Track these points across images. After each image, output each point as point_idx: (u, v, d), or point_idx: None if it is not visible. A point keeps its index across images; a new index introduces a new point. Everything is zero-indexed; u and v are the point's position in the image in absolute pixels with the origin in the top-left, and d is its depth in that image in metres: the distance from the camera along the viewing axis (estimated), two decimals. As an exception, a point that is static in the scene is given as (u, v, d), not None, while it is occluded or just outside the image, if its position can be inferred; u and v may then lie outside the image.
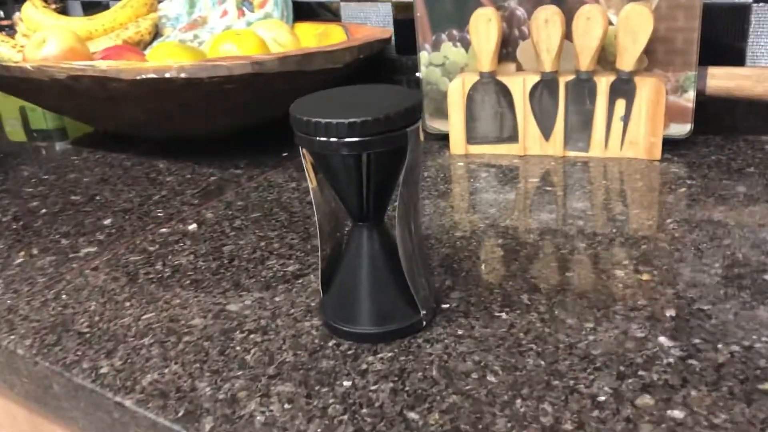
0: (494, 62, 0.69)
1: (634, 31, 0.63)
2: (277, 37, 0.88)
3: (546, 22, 0.65)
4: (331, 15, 1.01)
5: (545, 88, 0.69)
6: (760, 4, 0.72)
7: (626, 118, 0.67)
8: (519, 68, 0.72)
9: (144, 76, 0.65)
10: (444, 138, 0.79)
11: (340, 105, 0.41)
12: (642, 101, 0.66)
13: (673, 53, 0.65)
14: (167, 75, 0.65)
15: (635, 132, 0.67)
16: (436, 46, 0.74)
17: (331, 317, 0.45)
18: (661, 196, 0.60)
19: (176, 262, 0.56)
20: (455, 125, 0.73)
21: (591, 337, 0.42)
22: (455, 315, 0.46)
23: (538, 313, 0.45)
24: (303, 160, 0.43)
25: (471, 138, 0.73)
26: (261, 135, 0.87)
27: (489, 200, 0.63)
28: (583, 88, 0.68)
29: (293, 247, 0.57)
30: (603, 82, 0.67)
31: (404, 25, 0.95)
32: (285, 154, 0.80)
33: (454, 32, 0.73)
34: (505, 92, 0.70)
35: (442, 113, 0.77)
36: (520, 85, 0.69)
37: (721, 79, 0.67)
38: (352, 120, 0.38)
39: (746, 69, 0.67)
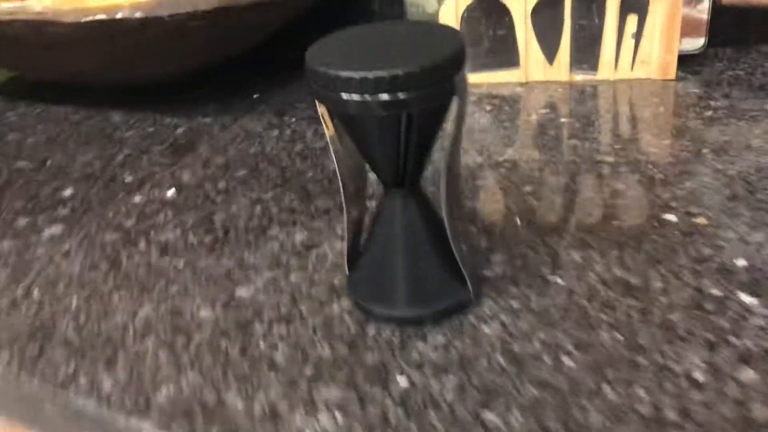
0: (493, -21, 0.61)
1: (653, -63, 0.56)
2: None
3: (553, -70, 0.57)
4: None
5: (549, 4, 0.62)
6: None
7: (638, 35, 0.61)
8: (516, -16, 0.65)
9: (91, 18, 0.55)
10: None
11: (366, 52, 0.33)
12: (656, 15, 0.60)
13: (688, -41, 0.59)
14: (119, 15, 0.55)
15: (648, 50, 0.62)
16: (421, -37, 0.66)
17: (364, 298, 0.39)
18: (687, 122, 0.55)
19: (162, 239, 0.48)
20: (448, 53, 0.65)
21: (663, 299, 0.38)
22: (503, 283, 0.40)
23: (595, 274, 0.40)
24: (318, 109, 0.36)
25: (467, 66, 0.66)
26: (226, 76, 0.77)
27: (501, 138, 0.56)
28: (590, 2, 0.61)
29: (295, 211, 0.50)
30: (614, -4, 0.60)
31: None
32: (256, 96, 0.71)
33: (442, -55, 0.65)
34: (504, 12, 0.63)
35: (429, 39, 0.69)
36: (521, 3, 0.62)
37: (739, -15, 0.61)
38: (393, 72, 0.30)
39: (765, -27, 0.61)
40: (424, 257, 0.38)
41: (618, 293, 0.38)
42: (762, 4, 0.61)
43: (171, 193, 0.54)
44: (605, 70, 0.63)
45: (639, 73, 0.63)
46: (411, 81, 0.30)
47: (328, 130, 0.36)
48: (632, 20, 0.61)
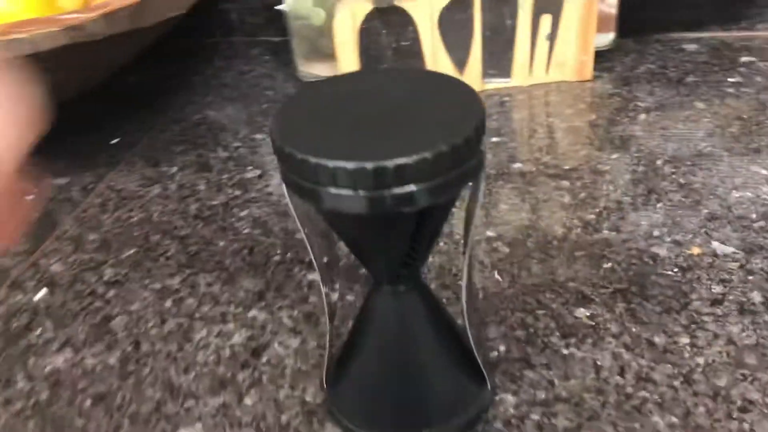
0: (394, -15, 0.54)
1: (568, -70, 0.51)
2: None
3: (460, -73, 0.50)
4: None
5: (457, 10, 0.55)
6: None
7: (553, 36, 0.57)
8: (415, -13, 0.57)
9: None
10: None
11: (355, 123, 0.23)
12: (570, 15, 0.56)
13: (595, -48, 0.55)
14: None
15: (563, 51, 0.57)
16: (303, -31, 0.57)
17: (356, 421, 0.30)
18: (625, 129, 0.52)
19: (46, 367, 0.36)
20: (348, 70, 0.57)
21: (699, 360, 0.33)
22: (515, 367, 0.33)
23: (614, 338, 0.34)
24: (287, 196, 0.26)
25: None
26: (70, 118, 0.62)
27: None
28: (502, 6, 0.55)
29: (218, 300, 0.39)
30: (526, -4, 0.55)
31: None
32: (116, 141, 0.58)
33: (327, -52, 0.56)
34: (407, 21, 0.55)
35: (319, 54, 0.60)
36: (426, 10, 0.55)
37: (645, -24, 0.59)
38: (400, 161, 0.21)
39: (668, -38, 0.59)
40: (435, 365, 0.30)
41: (649, 359, 0.33)
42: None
43: (42, 294, 0.41)
44: (519, 76, 0.58)
45: (555, 75, 0.58)
46: (422, 171, 0.21)
47: (295, 216, 0.27)
48: (546, 21, 0.56)
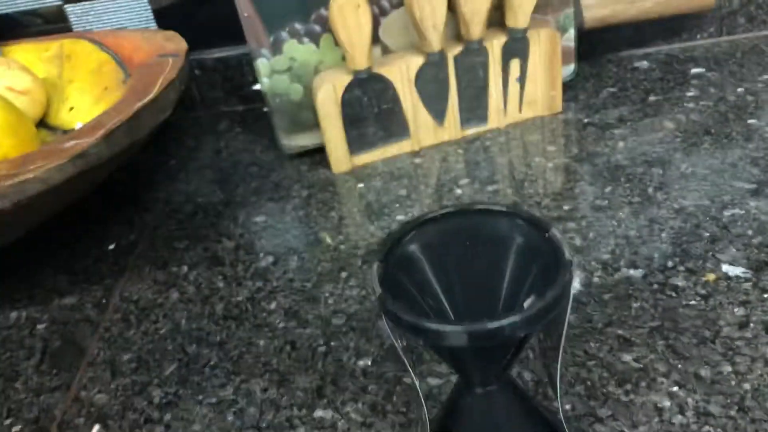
0: (370, 56, 0.55)
1: (528, -17, 0.54)
2: (13, 83, 0.61)
3: (428, -6, 0.52)
4: (54, 25, 0.73)
5: (432, 68, 0.57)
6: None
7: (522, 78, 0.59)
8: (386, 50, 0.59)
9: None
10: (309, 154, 0.63)
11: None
12: (537, 56, 0.58)
13: (550, -6, 0.58)
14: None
15: (533, 90, 0.60)
16: (276, 49, 0.57)
17: None
18: (609, 159, 0.55)
19: None
20: (334, 140, 0.58)
21: (746, 386, 0.36)
22: (585, 422, 0.35)
23: (664, 377, 0.37)
24: (396, 345, 0.28)
25: (353, 149, 0.59)
26: (56, 233, 0.61)
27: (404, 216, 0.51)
28: (473, 58, 0.58)
29: (279, 405, 0.40)
30: (495, 46, 0.57)
31: (172, 17, 0.72)
32: (113, 247, 0.57)
33: (297, 26, 0.56)
34: (385, 85, 0.57)
35: (299, 126, 0.61)
36: (402, 73, 0.57)
37: (595, 8, 0.62)
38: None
39: (614, -8, 0.63)
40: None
41: (702, 393, 0.36)
42: (620, 20, 0.63)
43: None
44: (495, 118, 0.61)
45: (527, 113, 0.61)
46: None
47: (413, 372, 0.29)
48: (515, 65, 0.59)
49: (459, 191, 0.55)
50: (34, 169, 0.42)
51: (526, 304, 0.25)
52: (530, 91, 0.60)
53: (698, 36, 0.69)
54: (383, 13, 0.57)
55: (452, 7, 0.54)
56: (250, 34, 0.56)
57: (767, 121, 0.56)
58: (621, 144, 0.56)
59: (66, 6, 0.72)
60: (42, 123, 0.66)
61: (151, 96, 0.49)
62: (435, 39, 0.55)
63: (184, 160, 0.68)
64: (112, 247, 0.57)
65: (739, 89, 0.60)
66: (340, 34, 0.53)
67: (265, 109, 0.72)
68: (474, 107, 0.60)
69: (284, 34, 0.56)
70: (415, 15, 0.53)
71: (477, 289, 0.28)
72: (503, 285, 0.28)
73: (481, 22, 0.55)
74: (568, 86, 0.64)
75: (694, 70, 0.64)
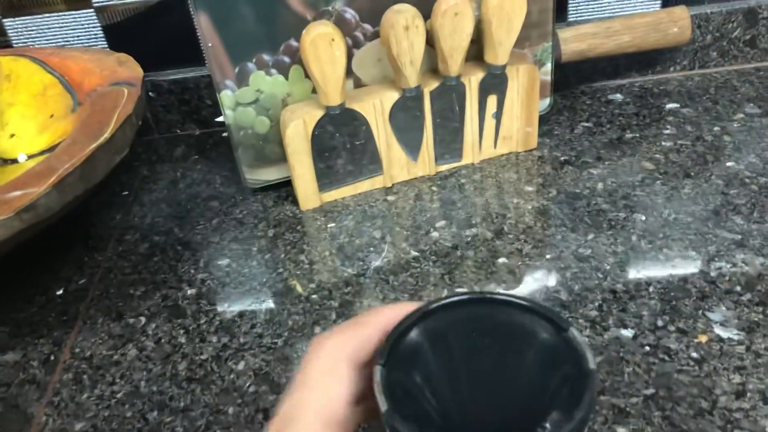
0: (343, 91, 0.52)
1: (509, 19, 0.51)
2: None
3: (407, 29, 0.49)
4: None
5: (407, 104, 0.54)
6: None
7: (499, 114, 0.57)
8: (358, 83, 0.56)
9: None
10: (274, 188, 0.60)
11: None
12: (515, 92, 0.56)
13: (528, 27, 0.56)
14: None
15: (509, 126, 0.58)
16: (242, 80, 0.53)
17: None
18: (590, 203, 0.53)
19: None
20: (303, 176, 0.54)
21: (749, 465, 0.34)
22: None
23: (664, 455, 0.35)
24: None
25: (323, 184, 0.56)
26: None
27: (383, 262, 0.48)
28: (450, 94, 0.55)
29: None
30: (472, 82, 0.55)
31: (123, 34, 0.67)
32: (61, 292, 0.53)
33: (265, 57, 0.53)
34: (358, 121, 0.54)
35: (265, 160, 0.57)
36: (377, 109, 0.54)
37: (573, 42, 0.60)
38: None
39: (591, 25, 0.61)
40: None
41: (705, 475, 0.34)
42: (597, 54, 0.61)
43: None
44: (470, 154, 0.58)
45: (502, 149, 0.59)
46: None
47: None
48: (492, 100, 0.56)
49: (435, 234, 0.52)
50: (-27, 225, 0.37)
51: (549, 424, 0.23)
52: (506, 126, 0.58)
53: (671, 68, 0.68)
54: (357, 45, 0.54)
55: (430, 42, 0.52)
56: (213, 64, 0.52)
57: (745, 164, 0.55)
58: (600, 186, 0.55)
59: (4, 20, 0.66)
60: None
61: (106, 135, 0.45)
62: (412, 75, 0.52)
63: (138, 192, 0.63)
64: (59, 292, 0.52)
65: (716, 128, 0.60)
66: (312, 69, 0.49)
67: (224, 134, 0.68)
68: (448, 142, 0.57)
69: (250, 65, 0.53)
70: (392, 50, 0.50)
71: (487, 383, 0.26)
72: (517, 383, 0.26)
73: (460, 58, 0.52)
74: (542, 119, 0.62)
75: (669, 106, 0.63)
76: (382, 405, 0.24)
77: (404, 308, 0.29)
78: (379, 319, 0.29)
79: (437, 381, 0.26)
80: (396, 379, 0.25)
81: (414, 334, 0.27)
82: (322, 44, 0.48)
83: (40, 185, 0.40)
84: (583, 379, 0.23)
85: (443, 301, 0.27)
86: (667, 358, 0.40)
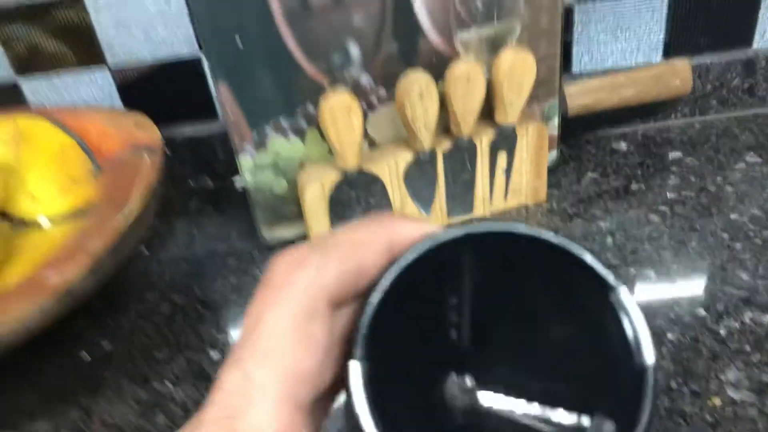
0: (360, 155, 0.53)
1: (519, 82, 0.53)
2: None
3: (421, 97, 0.51)
4: (7, 102, 0.68)
5: (421, 164, 0.56)
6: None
7: (509, 170, 0.59)
8: (372, 143, 0.57)
9: None
10: (291, 244, 0.61)
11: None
12: (523, 149, 0.58)
13: (536, 85, 0.57)
14: None
15: (518, 180, 0.60)
16: (260, 144, 0.55)
17: None
18: (601, 258, 0.54)
19: None
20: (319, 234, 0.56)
21: None
22: None
23: None
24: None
25: (339, 242, 0.57)
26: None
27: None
28: (462, 153, 0.57)
29: None
30: (483, 141, 0.56)
31: (138, 94, 0.68)
32: (89, 360, 0.54)
33: (283, 122, 0.54)
34: (373, 181, 0.55)
35: (282, 217, 0.58)
36: (392, 168, 0.55)
37: (579, 97, 0.62)
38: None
39: (596, 80, 0.63)
40: None
41: None
42: (603, 107, 0.63)
43: None
44: (480, 207, 0.60)
45: (512, 202, 0.61)
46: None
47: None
48: (502, 157, 0.58)
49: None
50: (11, 310, 0.38)
51: None
52: (515, 180, 0.60)
53: (673, 116, 0.70)
54: (371, 107, 0.55)
55: (443, 105, 0.53)
56: (232, 131, 0.53)
57: (749, 217, 0.57)
58: (609, 240, 0.56)
59: (20, 78, 0.67)
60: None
61: (132, 209, 0.46)
62: (426, 138, 0.53)
63: (155, 249, 0.64)
64: (85, 356, 0.53)
65: (718, 178, 0.61)
66: (330, 135, 0.51)
67: (238, 186, 0.70)
68: (460, 197, 0.59)
69: (269, 129, 0.54)
70: (407, 115, 0.52)
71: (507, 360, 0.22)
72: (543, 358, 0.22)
73: (472, 120, 0.54)
74: (550, 171, 0.64)
75: (672, 155, 0.65)
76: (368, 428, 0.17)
77: (417, 226, 0.20)
78: (382, 238, 0.21)
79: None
80: (383, 376, 0.18)
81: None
82: (339, 113, 0.50)
83: (74, 263, 0.41)
84: (635, 376, 0.19)
85: (456, 232, 0.21)
86: (682, 422, 0.42)
